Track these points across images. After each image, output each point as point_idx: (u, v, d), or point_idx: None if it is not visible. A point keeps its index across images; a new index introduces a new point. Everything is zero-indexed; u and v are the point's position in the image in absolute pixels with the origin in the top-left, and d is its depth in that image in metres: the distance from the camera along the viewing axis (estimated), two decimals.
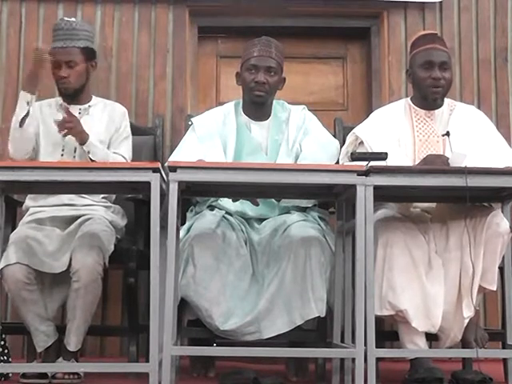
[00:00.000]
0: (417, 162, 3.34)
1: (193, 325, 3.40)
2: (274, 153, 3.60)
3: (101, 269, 3.19)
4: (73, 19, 3.61)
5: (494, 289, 3.17)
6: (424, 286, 3.12)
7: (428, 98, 3.45)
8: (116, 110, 3.67)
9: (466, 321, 3.14)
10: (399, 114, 3.51)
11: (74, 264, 3.17)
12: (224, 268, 3.29)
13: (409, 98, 3.58)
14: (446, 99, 3.55)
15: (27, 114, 3.43)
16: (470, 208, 3.06)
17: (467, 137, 3.39)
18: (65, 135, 3.43)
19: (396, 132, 3.44)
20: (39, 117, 3.55)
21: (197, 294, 3.26)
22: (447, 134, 3.31)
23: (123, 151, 3.55)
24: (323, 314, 3.26)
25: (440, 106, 3.51)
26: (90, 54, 3.59)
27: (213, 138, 3.59)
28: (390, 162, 3.05)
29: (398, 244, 3.14)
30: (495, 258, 3.13)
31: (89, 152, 3.41)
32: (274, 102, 3.71)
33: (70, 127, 3.39)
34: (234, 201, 3.41)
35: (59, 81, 3.52)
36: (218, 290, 3.26)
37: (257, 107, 3.64)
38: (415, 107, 3.51)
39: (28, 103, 3.42)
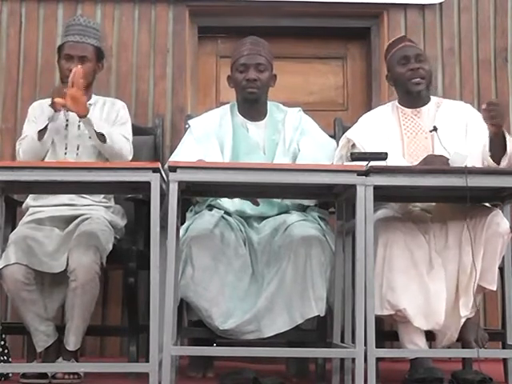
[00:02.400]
0: (406, 159, 3.36)
1: (195, 325, 3.40)
2: (271, 152, 3.62)
3: (98, 268, 3.19)
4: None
5: (494, 289, 3.17)
6: (425, 284, 3.12)
7: (411, 92, 3.49)
8: (115, 105, 3.69)
9: (463, 320, 3.14)
10: (386, 114, 3.57)
11: (71, 263, 3.16)
12: (223, 268, 3.30)
13: (396, 101, 3.62)
14: (432, 97, 3.58)
15: (46, 128, 3.41)
16: (470, 208, 3.06)
17: (455, 131, 3.42)
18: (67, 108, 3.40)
19: (385, 131, 3.47)
20: (41, 116, 3.55)
21: (196, 295, 3.26)
22: (434, 129, 3.34)
23: (122, 132, 3.53)
24: (323, 313, 3.26)
25: (426, 102, 3.53)
26: (100, 55, 3.63)
27: (210, 138, 3.61)
28: (390, 161, 3.06)
29: (399, 244, 3.14)
30: (495, 257, 3.12)
31: (93, 123, 3.38)
32: (270, 103, 3.73)
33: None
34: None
35: (67, 75, 3.47)
36: (217, 290, 3.26)
37: (251, 106, 3.65)
38: (401, 107, 3.56)
39: (49, 118, 3.41)
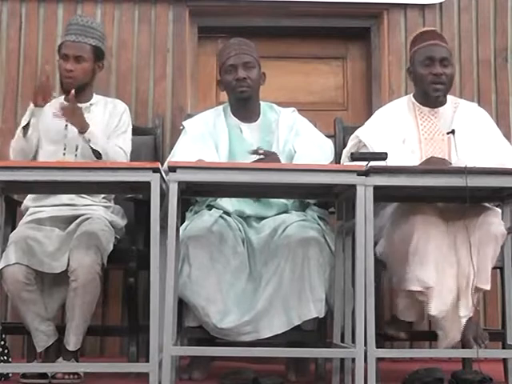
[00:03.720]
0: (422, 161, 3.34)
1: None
2: None
3: (99, 268, 3.19)
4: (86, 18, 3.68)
5: (488, 288, 3.15)
6: (443, 269, 3.10)
7: (430, 95, 3.45)
8: (117, 107, 3.69)
9: (464, 320, 3.12)
10: (403, 111, 3.51)
11: (72, 263, 3.17)
12: (220, 267, 3.30)
13: (411, 96, 3.58)
14: (448, 96, 3.54)
15: (28, 125, 3.43)
16: (466, 207, 3.05)
17: (472, 135, 3.39)
18: (67, 120, 3.44)
19: (401, 131, 3.43)
20: (40, 116, 3.55)
21: (193, 294, 3.27)
22: (452, 132, 3.32)
23: (121, 143, 3.54)
24: (321, 315, 3.27)
25: (443, 103, 3.51)
26: (99, 55, 3.62)
27: (205, 139, 3.61)
28: (392, 161, 3.05)
29: (437, 225, 3.12)
30: (488, 257, 3.11)
31: (89, 140, 3.40)
32: (263, 104, 3.73)
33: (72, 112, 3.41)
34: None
35: (64, 74, 3.52)
36: (214, 288, 3.27)
37: (244, 106, 3.66)
38: (419, 105, 3.51)
39: (31, 114, 3.42)
